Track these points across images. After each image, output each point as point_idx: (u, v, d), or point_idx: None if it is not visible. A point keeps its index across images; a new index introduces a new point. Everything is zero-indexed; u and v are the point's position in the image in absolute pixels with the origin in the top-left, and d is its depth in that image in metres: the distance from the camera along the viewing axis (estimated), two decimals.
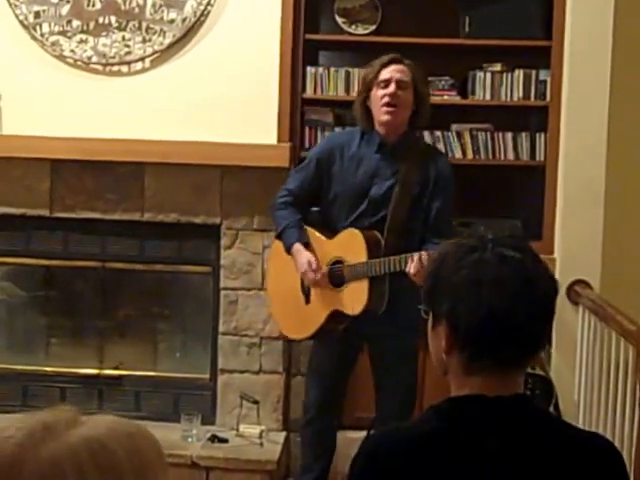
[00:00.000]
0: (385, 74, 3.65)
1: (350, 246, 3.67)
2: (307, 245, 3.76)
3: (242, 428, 4.43)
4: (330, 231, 3.76)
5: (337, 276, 3.71)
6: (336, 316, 3.72)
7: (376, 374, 3.85)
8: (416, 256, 3.41)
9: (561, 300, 4.35)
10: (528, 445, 1.57)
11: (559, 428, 1.64)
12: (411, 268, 3.41)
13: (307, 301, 3.82)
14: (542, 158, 4.49)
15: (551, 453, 1.57)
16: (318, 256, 3.74)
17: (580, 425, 3.98)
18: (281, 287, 3.93)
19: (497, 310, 1.56)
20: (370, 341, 3.78)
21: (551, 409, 4.04)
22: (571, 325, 4.34)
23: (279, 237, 3.85)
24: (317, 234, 3.79)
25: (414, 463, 1.55)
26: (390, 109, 3.63)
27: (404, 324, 3.55)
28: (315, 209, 3.89)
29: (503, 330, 1.57)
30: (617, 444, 3.71)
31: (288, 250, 3.78)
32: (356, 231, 3.66)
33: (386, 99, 3.62)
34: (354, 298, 3.65)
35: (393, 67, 3.67)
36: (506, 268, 1.58)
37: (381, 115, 3.66)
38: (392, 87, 3.63)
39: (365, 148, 3.73)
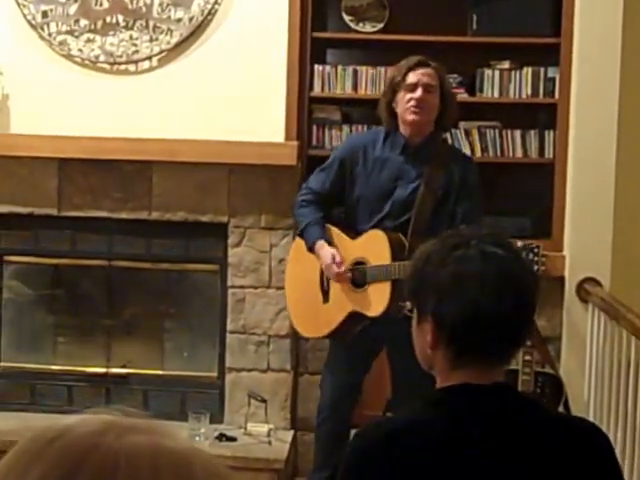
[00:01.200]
0: (412, 78, 3.63)
1: (373, 247, 3.66)
2: (329, 243, 3.74)
3: (250, 427, 4.42)
4: (353, 232, 3.75)
5: (358, 277, 3.69)
6: (354, 317, 3.70)
7: (395, 377, 3.83)
8: None
9: (571, 298, 4.34)
10: (512, 429, 1.60)
11: (542, 412, 1.69)
12: None
13: (325, 300, 3.80)
14: (551, 155, 4.48)
15: (535, 436, 1.60)
16: (340, 254, 3.72)
17: None
18: (299, 285, 3.92)
19: (481, 305, 1.60)
20: (388, 344, 3.76)
21: (561, 408, 4.02)
22: (581, 323, 4.32)
23: (301, 235, 3.83)
24: (340, 233, 3.77)
25: (402, 452, 1.58)
26: (417, 110, 3.62)
27: None
28: (338, 209, 3.88)
29: (488, 325, 1.61)
30: (627, 442, 3.69)
31: (310, 247, 3.76)
32: (380, 233, 3.64)
33: (412, 102, 3.61)
34: (375, 300, 3.63)
35: (420, 70, 3.65)
36: (490, 264, 1.62)
37: (407, 115, 3.63)
38: (419, 92, 3.61)
39: (389, 150, 3.71)
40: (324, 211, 3.81)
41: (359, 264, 3.70)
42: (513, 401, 1.64)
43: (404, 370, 3.74)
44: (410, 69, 3.65)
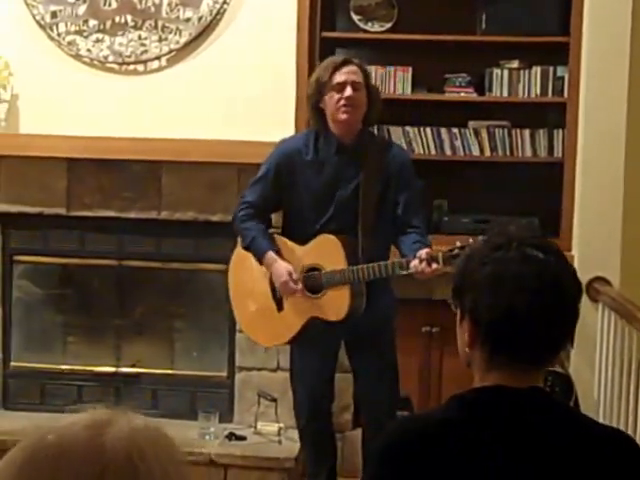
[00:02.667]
0: (339, 77, 3.61)
1: (327, 253, 3.64)
2: (278, 253, 3.70)
3: (260, 426, 4.43)
4: (299, 238, 3.71)
5: (314, 283, 3.67)
6: (314, 322, 3.69)
7: (359, 373, 3.84)
8: (424, 253, 3.39)
9: None
10: (541, 435, 1.58)
11: (576, 420, 1.66)
12: (417, 267, 3.39)
13: (280, 308, 3.76)
14: (560, 155, 4.47)
15: (566, 444, 1.59)
16: (290, 263, 3.68)
17: None
18: (247, 296, 3.87)
19: (516, 307, 1.59)
20: (348, 338, 3.76)
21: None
22: (591, 323, 4.31)
23: (247, 248, 3.77)
24: (287, 241, 3.74)
25: (432, 450, 1.58)
26: (348, 109, 3.59)
27: (382, 321, 3.63)
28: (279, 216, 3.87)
29: (521, 327, 1.60)
30: (638, 442, 3.68)
31: (260, 260, 3.72)
32: (332, 237, 3.62)
33: (343, 102, 3.59)
34: (335, 305, 3.62)
35: (346, 69, 3.63)
36: (528, 266, 1.61)
37: (339, 115, 3.61)
38: (349, 90, 3.59)
39: (323, 151, 3.69)
40: (265, 222, 3.79)
41: (312, 270, 3.69)
42: (545, 406, 1.63)
43: (363, 361, 3.77)
44: (336, 69, 3.62)
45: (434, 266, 3.37)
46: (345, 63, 3.64)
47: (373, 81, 3.77)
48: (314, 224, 3.67)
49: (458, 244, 3.32)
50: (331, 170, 3.67)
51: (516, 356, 1.62)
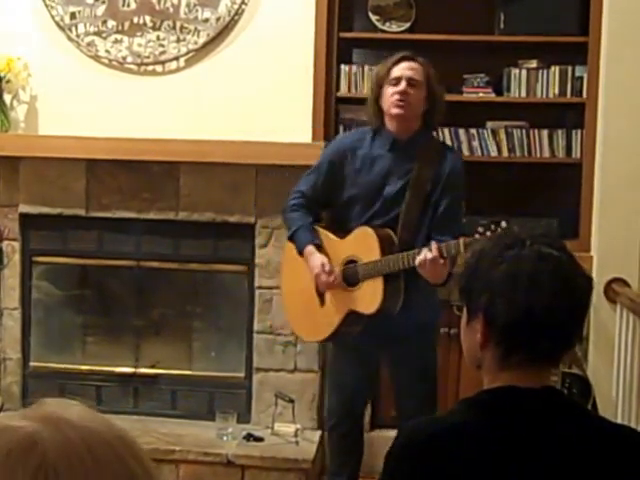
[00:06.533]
0: (396, 72, 3.60)
1: (363, 244, 3.63)
2: (319, 246, 3.71)
3: (277, 427, 4.43)
4: (344, 232, 3.72)
5: (351, 276, 3.67)
6: (352, 317, 3.68)
7: (394, 376, 3.82)
8: (424, 249, 3.38)
9: (598, 299, 4.31)
10: (557, 434, 1.58)
11: (590, 419, 1.66)
12: (416, 260, 3.38)
13: (322, 303, 3.77)
14: (578, 155, 4.45)
15: (580, 442, 1.59)
16: (331, 257, 3.69)
17: None
18: (295, 289, 3.89)
19: (534, 306, 1.59)
20: (387, 344, 3.74)
21: (588, 408, 4.00)
22: (609, 324, 4.30)
23: (290, 239, 3.81)
24: (329, 234, 3.75)
25: (447, 454, 1.58)
26: (400, 103, 3.58)
27: (421, 325, 3.56)
28: (328, 210, 3.86)
29: (539, 326, 1.60)
30: None
31: (300, 252, 3.74)
32: (368, 229, 3.62)
33: (396, 96, 3.57)
34: (369, 297, 3.61)
35: (404, 64, 3.62)
36: (544, 265, 1.61)
37: (391, 109, 3.60)
38: (402, 85, 3.57)
39: (378, 147, 3.68)
40: (314, 214, 3.79)
41: (351, 262, 3.69)
42: (560, 406, 1.63)
43: (404, 369, 3.74)
44: (394, 63, 3.62)
45: (431, 255, 3.33)
46: (405, 59, 3.64)
47: (437, 83, 3.69)
48: (359, 218, 3.67)
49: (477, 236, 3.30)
50: (383, 166, 3.65)
51: (532, 354, 1.62)
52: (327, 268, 3.64)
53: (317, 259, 3.67)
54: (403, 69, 3.60)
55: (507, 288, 1.60)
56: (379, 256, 3.57)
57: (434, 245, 3.36)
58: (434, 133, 3.92)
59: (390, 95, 3.59)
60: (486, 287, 1.63)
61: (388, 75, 3.60)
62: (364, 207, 3.66)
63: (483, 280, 1.64)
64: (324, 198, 3.78)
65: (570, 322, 1.63)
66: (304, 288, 3.79)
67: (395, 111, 3.59)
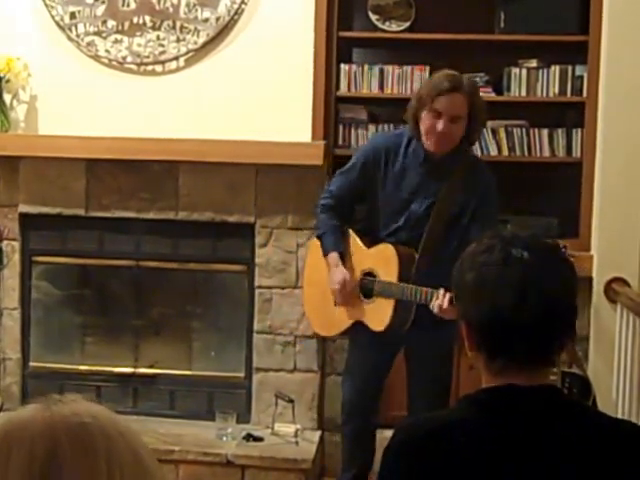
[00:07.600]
0: (439, 104, 3.45)
1: (383, 262, 3.65)
2: (342, 254, 3.73)
3: (277, 427, 4.43)
4: (371, 237, 3.72)
5: (367, 288, 3.70)
6: (359, 326, 3.73)
7: (411, 374, 3.83)
8: (441, 292, 3.35)
9: (599, 298, 4.31)
10: (555, 431, 1.58)
11: (589, 417, 1.66)
12: (435, 307, 3.37)
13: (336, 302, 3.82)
14: (578, 155, 4.45)
15: (579, 439, 1.58)
16: (353, 263, 3.72)
17: None
18: (315, 283, 3.93)
19: (500, 310, 1.59)
20: (406, 343, 3.75)
21: None
22: (609, 323, 4.29)
23: (319, 238, 3.84)
24: (357, 241, 3.76)
25: (444, 450, 1.58)
26: (438, 141, 3.50)
27: (440, 325, 3.54)
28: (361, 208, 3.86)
29: (509, 330, 1.60)
30: None
31: (325, 256, 3.78)
32: (391, 248, 3.62)
33: (434, 137, 3.48)
34: (378, 316, 3.64)
35: (449, 98, 3.45)
36: (511, 269, 1.61)
37: (426, 140, 3.52)
38: (442, 124, 3.46)
39: (411, 159, 3.62)
40: (343, 215, 3.78)
41: (369, 274, 3.70)
42: (557, 403, 1.62)
43: (420, 371, 3.76)
44: (440, 93, 3.46)
45: (445, 306, 3.32)
46: (453, 90, 3.46)
47: (480, 103, 3.56)
48: (385, 229, 3.67)
49: None
50: (411, 182, 3.62)
51: (512, 359, 1.62)
52: (348, 288, 3.67)
53: (339, 274, 3.69)
54: (447, 105, 3.46)
55: (475, 294, 1.63)
56: (396, 278, 3.58)
57: (447, 296, 3.30)
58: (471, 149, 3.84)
59: (429, 126, 3.49)
60: (461, 294, 1.68)
61: (432, 102, 3.47)
62: (390, 219, 3.66)
63: (459, 287, 1.68)
64: (354, 198, 3.78)
65: (541, 325, 1.60)
66: (323, 284, 3.81)
67: (431, 147, 3.53)
